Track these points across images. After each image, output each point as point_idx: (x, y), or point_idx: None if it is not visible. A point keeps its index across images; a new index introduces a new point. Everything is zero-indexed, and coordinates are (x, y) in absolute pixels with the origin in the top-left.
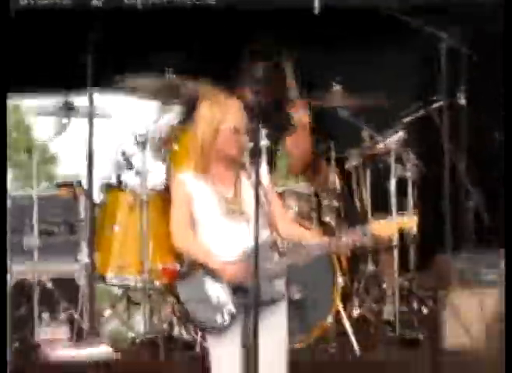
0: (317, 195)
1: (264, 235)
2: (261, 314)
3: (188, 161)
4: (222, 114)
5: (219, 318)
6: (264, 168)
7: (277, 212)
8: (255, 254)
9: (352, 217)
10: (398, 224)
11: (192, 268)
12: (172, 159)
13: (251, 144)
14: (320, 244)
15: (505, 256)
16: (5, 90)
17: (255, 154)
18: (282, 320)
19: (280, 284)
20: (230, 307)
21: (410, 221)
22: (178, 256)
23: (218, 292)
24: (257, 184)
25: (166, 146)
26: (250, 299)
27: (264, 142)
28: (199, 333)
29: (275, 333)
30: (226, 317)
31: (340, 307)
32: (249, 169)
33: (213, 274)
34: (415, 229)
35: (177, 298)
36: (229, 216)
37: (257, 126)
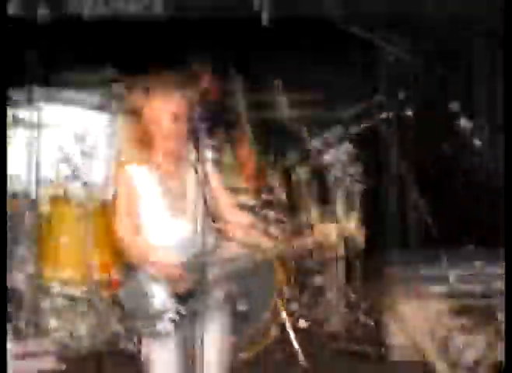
0: (262, 207)
1: (210, 239)
2: (200, 322)
3: (132, 152)
4: (160, 101)
5: (159, 325)
6: (209, 165)
7: (227, 206)
8: (200, 259)
9: (297, 229)
10: (339, 228)
11: (133, 269)
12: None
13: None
14: (271, 247)
15: (505, 255)
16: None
17: (197, 147)
18: (219, 329)
19: (219, 293)
20: (171, 314)
21: (352, 228)
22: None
23: (159, 297)
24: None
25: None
26: (192, 306)
27: (208, 142)
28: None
29: (213, 341)
30: (167, 324)
31: (286, 318)
32: (195, 163)
33: (154, 278)
34: (360, 240)
35: (119, 304)
36: (173, 215)
37: (198, 123)
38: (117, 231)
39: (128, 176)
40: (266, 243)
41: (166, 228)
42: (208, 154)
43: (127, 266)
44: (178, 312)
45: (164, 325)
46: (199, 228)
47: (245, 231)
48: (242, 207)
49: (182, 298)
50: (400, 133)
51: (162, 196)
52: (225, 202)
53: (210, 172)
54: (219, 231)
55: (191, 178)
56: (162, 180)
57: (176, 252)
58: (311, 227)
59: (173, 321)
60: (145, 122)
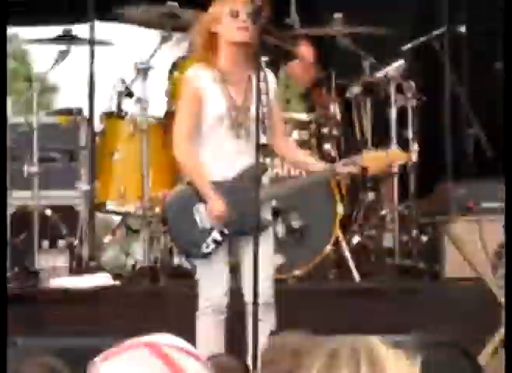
0: (316, 123)
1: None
2: (247, 241)
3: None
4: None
5: (203, 246)
6: (271, 76)
7: (279, 129)
8: (250, 177)
9: (351, 146)
10: (388, 157)
11: (184, 185)
12: (172, 89)
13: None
14: (320, 170)
15: (505, 254)
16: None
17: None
18: (267, 247)
19: (267, 211)
20: (215, 234)
21: (401, 155)
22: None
23: (204, 216)
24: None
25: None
26: (236, 226)
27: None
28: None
29: (262, 258)
30: (211, 244)
31: (340, 235)
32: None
33: (202, 197)
34: (413, 159)
35: (165, 219)
36: (233, 130)
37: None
38: (176, 156)
39: (192, 81)
40: (319, 165)
41: (225, 146)
42: (270, 73)
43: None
44: (222, 232)
45: (208, 246)
46: (255, 147)
47: (295, 156)
48: (297, 122)
49: (229, 216)
50: (453, 49)
51: (225, 108)
52: (279, 126)
53: (272, 91)
54: (273, 150)
55: (252, 94)
56: (225, 90)
57: (230, 168)
58: (362, 154)
59: (217, 242)
60: (208, 23)
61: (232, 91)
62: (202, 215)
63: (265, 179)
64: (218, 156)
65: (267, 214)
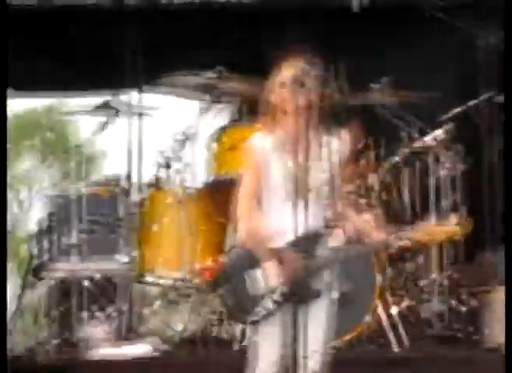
0: (356, 193)
1: (316, 223)
2: (303, 307)
3: (258, 124)
4: (282, 72)
5: (256, 312)
6: (335, 141)
7: (340, 197)
8: (309, 243)
9: (392, 215)
10: (443, 229)
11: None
12: (214, 158)
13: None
14: (377, 242)
15: (505, 255)
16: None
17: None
18: (322, 314)
19: (326, 278)
20: (268, 302)
21: (456, 229)
22: (217, 254)
23: (260, 283)
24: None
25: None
26: (295, 290)
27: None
28: (239, 330)
29: (315, 326)
30: (263, 311)
31: (379, 305)
32: (318, 135)
33: (260, 262)
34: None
35: (218, 289)
36: (292, 197)
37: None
38: (236, 212)
39: (255, 148)
40: (374, 236)
41: (283, 214)
42: (334, 143)
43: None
44: (275, 300)
45: (260, 312)
46: (313, 216)
47: (355, 224)
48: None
49: (283, 283)
50: (491, 118)
51: (283, 175)
52: (340, 193)
53: (336, 155)
54: (331, 220)
55: (314, 164)
56: (285, 157)
57: (287, 234)
58: (413, 224)
59: (276, 302)
60: (269, 93)
61: (292, 158)
62: (256, 281)
63: (321, 248)
64: (276, 222)
65: (320, 283)
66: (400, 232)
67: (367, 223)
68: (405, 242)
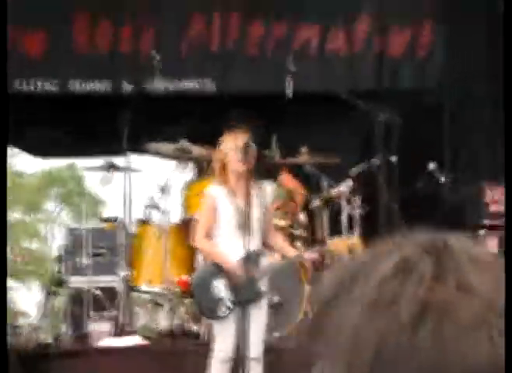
0: (290, 226)
1: (256, 245)
2: (249, 307)
3: (213, 178)
4: (229, 142)
5: (220, 311)
6: (268, 187)
7: (271, 227)
8: (252, 260)
9: (314, 241)
10: (347, 241)
11: (205, 265)
12: (185, 202)
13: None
14: (295, 257)
15: (505, 255)
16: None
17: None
18: (263, 313)
19: (263, 285)
20: (228, 302)
21: (356, 242)
22: (189, 270)
23: (220, 289)
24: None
25: (184, 193)
26: (243, 296)
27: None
28: (205, 322)
29: (258, 322)
30: (224, 309)
31: (308, 308)
32: (256, 184)
33: (220, 273)
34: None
35: (192, 295)
36: (238, 227)
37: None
38: (198, 246)
39: (210, 195)
40: (293, 252)
41: (233, 239)
42: (268, 187)
43: (197, 266)
44: (232, 301)
45: (223, 311)
46: (254, 240)
47: (280, 246)
48: (276, 226)
49: (236, 288)
50: (387, 173)
51: (233, 213)
52: (271, 224)
53: (269, 194)
54: (265, 242)
55: (254, 202)
56: (232, 201)
57: (236, 253)
58: (324, 241)
59: (229, 308)
60: (219, 157)
61: (238, 201)
62: (219, 287)
63: (262, 262)
64: (228, 246)
65: (262, 288)
66: (311, 249)
67: (288, 245)
68: (315, 256)
